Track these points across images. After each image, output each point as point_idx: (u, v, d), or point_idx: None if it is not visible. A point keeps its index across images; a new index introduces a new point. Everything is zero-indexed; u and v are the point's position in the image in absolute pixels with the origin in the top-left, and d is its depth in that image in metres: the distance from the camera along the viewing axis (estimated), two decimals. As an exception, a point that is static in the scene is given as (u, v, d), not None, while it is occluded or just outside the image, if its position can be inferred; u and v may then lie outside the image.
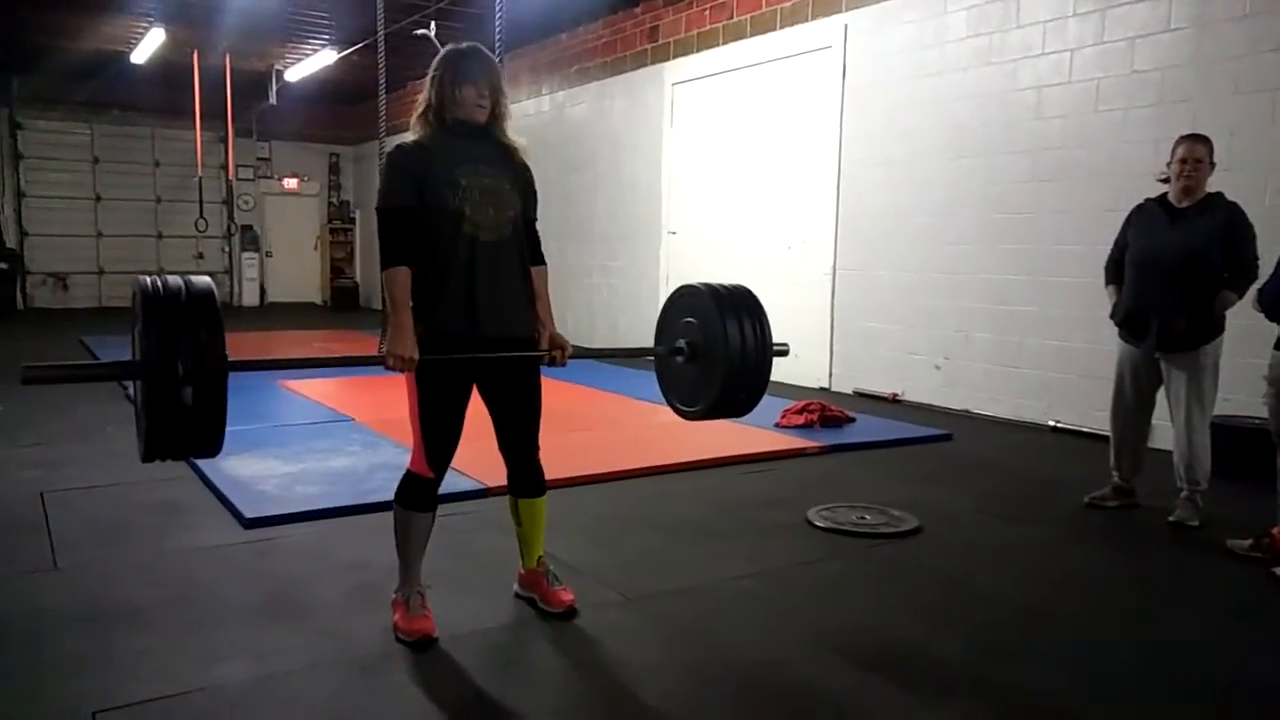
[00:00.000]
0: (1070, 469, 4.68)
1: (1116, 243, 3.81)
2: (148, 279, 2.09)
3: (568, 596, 2.71)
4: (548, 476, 2.75)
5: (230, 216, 13.88)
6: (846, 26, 6.85)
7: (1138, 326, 3.64)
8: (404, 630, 2.51)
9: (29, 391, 3.54)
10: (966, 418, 6.00)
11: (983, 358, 6.07)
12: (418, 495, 2.58)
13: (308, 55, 11.72)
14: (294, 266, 16.17)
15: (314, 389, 6.60)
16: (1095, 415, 5.31)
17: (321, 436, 5.00)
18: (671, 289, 2.96)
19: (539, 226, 2.69)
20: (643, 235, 9.06)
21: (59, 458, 4.57)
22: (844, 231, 7.00)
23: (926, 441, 5.28)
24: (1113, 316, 3.76)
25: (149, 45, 10.65)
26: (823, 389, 7.17)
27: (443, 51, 2.61)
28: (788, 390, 7.12)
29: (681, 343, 2.79)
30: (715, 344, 2.69)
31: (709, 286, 2.79)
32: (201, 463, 4.22)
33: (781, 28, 7.42)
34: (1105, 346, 5.34)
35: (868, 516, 3.59)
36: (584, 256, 9.85)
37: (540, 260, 2.69)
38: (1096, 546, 3.51)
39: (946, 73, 6.18)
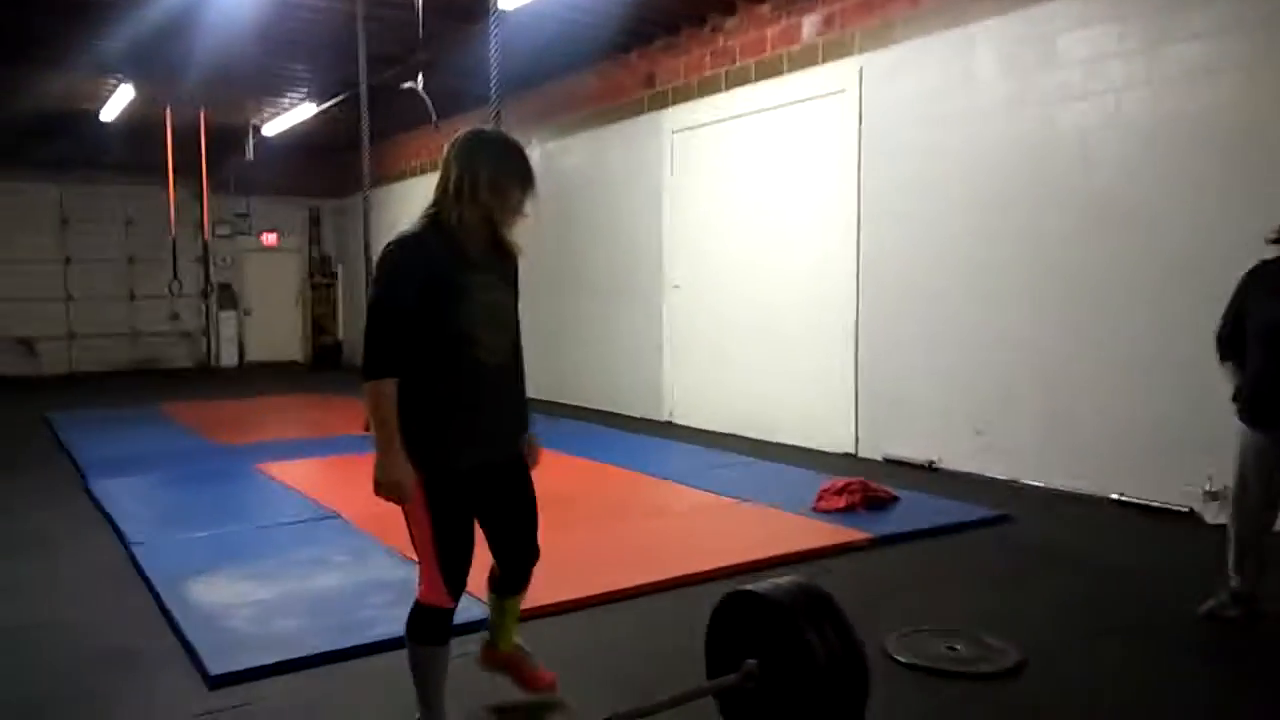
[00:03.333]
0: (1155, 556, 4.16)
1: (1231, 312, 3.30)
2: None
3: (550, 675, 2.68)
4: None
5: (205, 275, 13.27)
6: (861, 70, 6.43)
7: (1267, 411, 3.13)
8: None
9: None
10: (1014, 489, 5.48)
11: (1029, 423, 5.56)
12: (435, 628, 2.37)
13: (286, 109, 11.24)
14: (274, 324, 15.57)
15: (295, 474, 6.01)
16: (1164, 488, 4.82)
17: (304, 542, 4.41)
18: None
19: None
20: (643, 290, 8.55)
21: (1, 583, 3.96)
22: (866, 286, 6.52)
23: (984, 525, 4.74)
24: (1235, 399, 3.26)
25: (118, 102, 10.15)
26: (848, 455, 6.64)
27: (474, 136, 2.35)
28: (810, 457, 6.61)
29: (751, 664, 2.30)
30: (794, 662, 2.19)
31: (771, 588, 2.35)
32: (165, 591, 3.64)
33: (789, 72, 7.00)
34: (1171, 412, 4.90)
35: (959, 647, 3.03)
36: (580, 312, 9.34)
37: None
38: (1237, 672, 2.97)
39: (976, 117, 5.74)
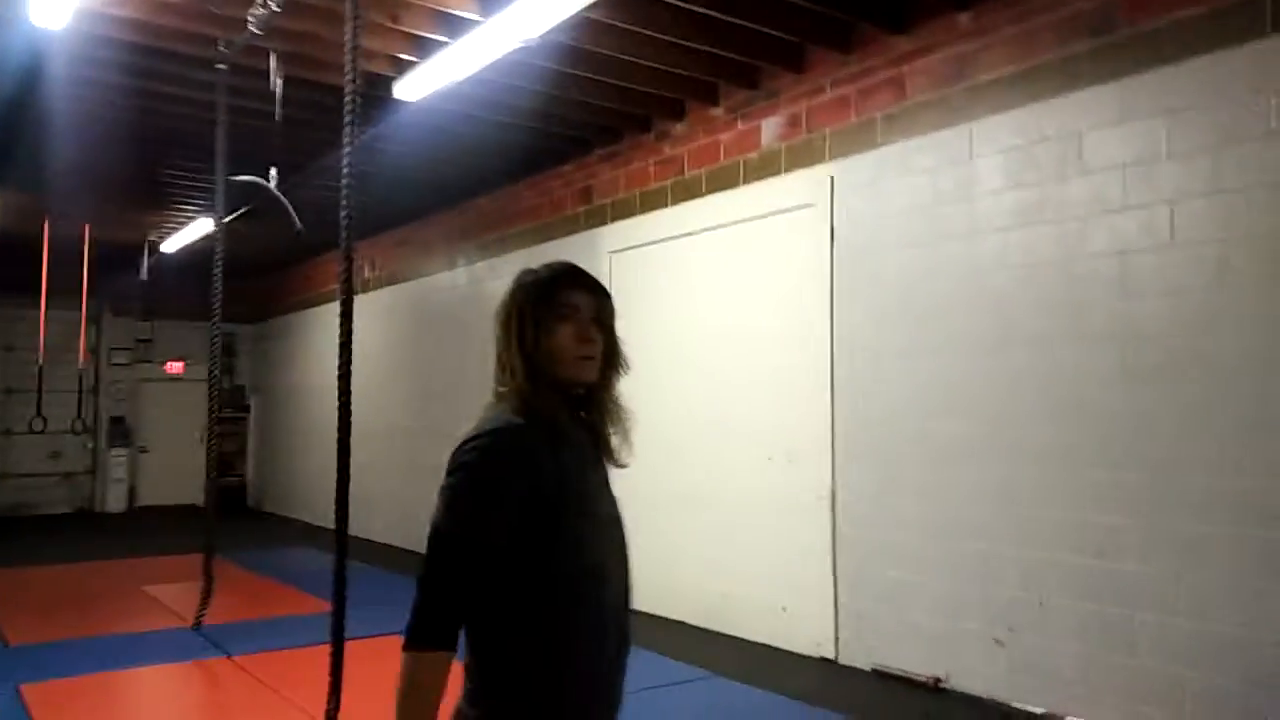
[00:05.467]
0: None
1: None
2: None
3: None
4: None
5: (78, 408, 11.63)
6: (833, 179, 5.29)
7: None
8: None
9: None
10: (1055, 728, 4.03)
11: (1069, 634, 4.15)
12: None
13: (182, 225, 9.97)
14: (173, 463, 13.80)
15: (78, 709, 4.36)
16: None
17: None
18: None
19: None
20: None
21: None
22: (844, 442, 5.19)
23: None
24: None
25: (-20, 212, 8.82)
26: (826, 661, 5.15)
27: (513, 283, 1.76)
28: (778, 657, 5.17)
29: None
30: None
31: None
32: None
33: (746, 183, 5.86)
34: (1262, 616, 3.59)
35: None
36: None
37: None
38: None
39: (980, 234, 4.57)
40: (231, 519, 12.65)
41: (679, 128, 6.32)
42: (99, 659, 5.19)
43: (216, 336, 5.49)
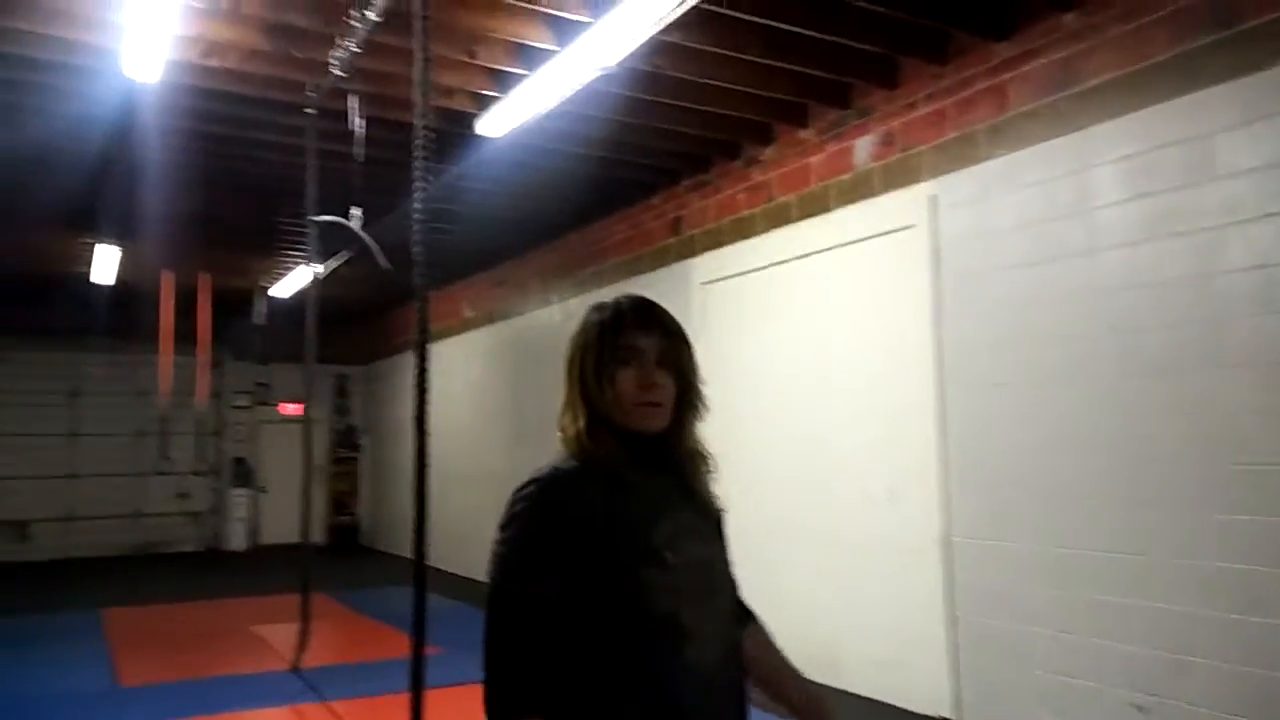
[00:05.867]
0: None
1: None
2: None
3: None
4: None
5: (199, 449, 12.12)
6: (935, 199, 4.95)
7: None
8: None
9: None
10: (1209, 808, 3.53)
11: (1223, 704, 3.64)
12: None
13: (289, 270, 10.31)
14: (290, 503, 14.24)
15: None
16: None
17: None
18: None
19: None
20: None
21: None
22: (956, 480, 4.80)
23: None
24: None
25: (105, 263, 9.30)
26: (944, 719, 4.73)
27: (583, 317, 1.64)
28: (895, 714, 4.76)
29: None
30: None
31: None
32: None
33: (838, 207, 5.57)
34: None
35: None
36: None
37: (753, 616, 1.75)
38: None
39: (1100, 250, 4.15)
40: (343, 557, 12.96)
41: (767, 152, 6.09)
42: (200, 703, 5.24)
43: (309, 379, 5.53)
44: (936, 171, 4.94)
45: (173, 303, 10.82)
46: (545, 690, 1.42)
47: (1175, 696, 3.79)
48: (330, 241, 6.31)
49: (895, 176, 5.18)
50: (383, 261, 4.76)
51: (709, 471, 1.65)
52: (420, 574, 3.61)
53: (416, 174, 3.57)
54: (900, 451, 5.11)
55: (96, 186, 6.96)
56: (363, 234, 4.88)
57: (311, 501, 6.07)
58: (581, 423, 1.54)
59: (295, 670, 5.72)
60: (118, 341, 12.66)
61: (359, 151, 4.57)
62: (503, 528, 1.51)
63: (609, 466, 1.52)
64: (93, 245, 8.93)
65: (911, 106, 5.08)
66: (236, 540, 13.59)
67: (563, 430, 1.58)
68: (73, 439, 12.95)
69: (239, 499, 13.70)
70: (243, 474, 13.85)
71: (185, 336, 11.14)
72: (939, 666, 4.78)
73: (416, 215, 3.60)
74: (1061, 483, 4.27)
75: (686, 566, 1.51)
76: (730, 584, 1.65)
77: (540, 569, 1.45)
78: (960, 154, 4.80)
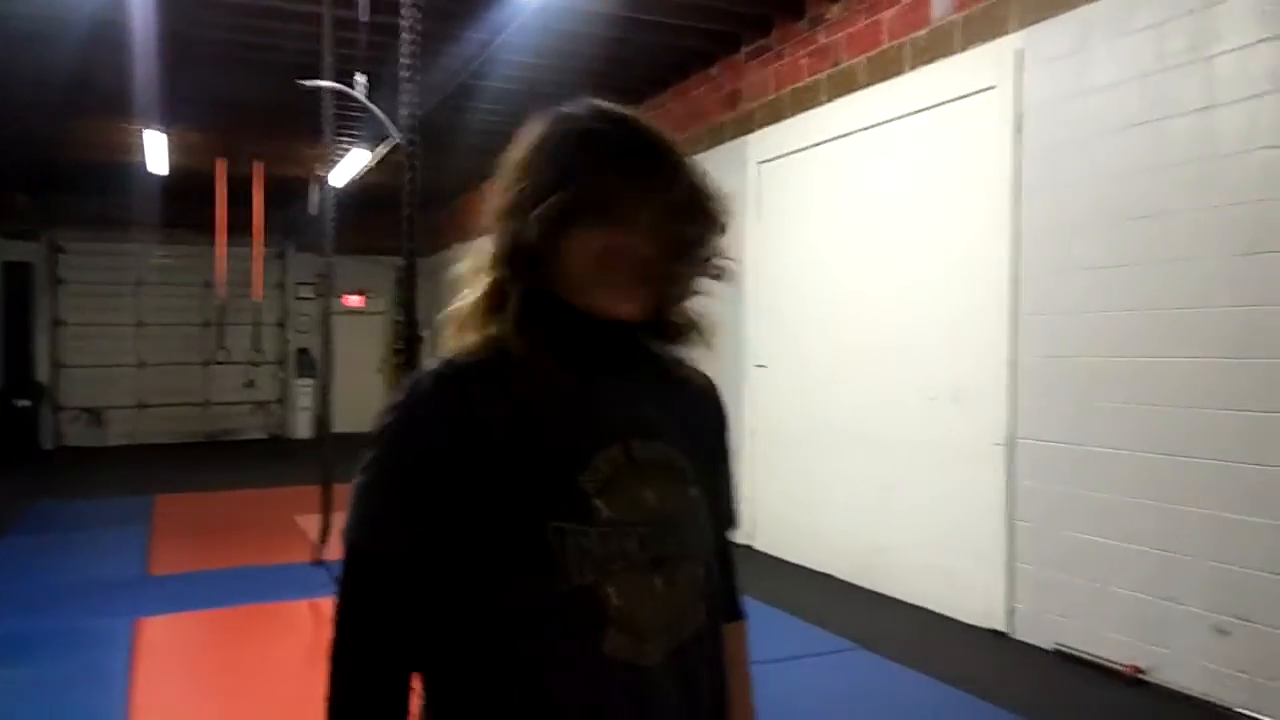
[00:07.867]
0: None
1: None
2: None
3: None
4: None
5: (256, 341, 12.18)
6: (1020, 54, 4.29)
7: None
8: None
9: None
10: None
11: (1328, 630, 3.17)
12: None
13: (340, 156, 10.00)
14: (354, 392, 14.35)
15: (172, 645, 4.26)
16: None
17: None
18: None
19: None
20: (717, 369, 6.51)
21: None
22: (1027, 378, 4.28)
23: None
24: None
25: (155, 151, 9.14)
26: (997, 634, 4.34)
27: (545, 127, 1.03)
28: (940, 626, 4.44)
29: None
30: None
31: None
32: None
33: (912, 68, 4.93)
34: None
35: None
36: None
37: (738, 612, 1.21)
38: None
39: (1220, 106, 3.50)
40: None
41: (835, 10, 5.43)
42: (222, 593, 5.14)
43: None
44: (1025, 21, 4.26)
45: (225, 191, 10.69)
46: (401, 695, 1.01)
47: (1266, 621, 3.31)
48: (374, 125, 5.94)
49: (978, 29, 4.51)
50: (395, 134, 4.36)
51: (704, 387, 1.19)
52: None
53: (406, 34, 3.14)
54: (967, 348, 4.60)
55: (128, 66, 6.69)
56: (368, 102, 4.47)
57: (330, 393, 5.84)
58: (508, 294, 1.02)
59: (320, 563, 5.61)
60: (179, 231, 12.68)
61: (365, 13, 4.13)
62: (363, 462, 1.02)
63: (533, 362, 1.01)
64: (140, 132, 8.76)
65: (999, -56, 4.37)
66: (303, 429, 13.78)
67: (464, 301, 1.06)
68: (141, 328, 13.15)
69: (304, 389, 13.83)
70: (307, 364, 13.95)
71: (243, 228, 11.05)
72: (995, 577, 4.36)
73: (406, 75, 3.18)
74: (1155, 380, 3.72)
75: (627, 523, 0.99)
76: (708, 550, 1.08)
77: (408, 521, 0.98)
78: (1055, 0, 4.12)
